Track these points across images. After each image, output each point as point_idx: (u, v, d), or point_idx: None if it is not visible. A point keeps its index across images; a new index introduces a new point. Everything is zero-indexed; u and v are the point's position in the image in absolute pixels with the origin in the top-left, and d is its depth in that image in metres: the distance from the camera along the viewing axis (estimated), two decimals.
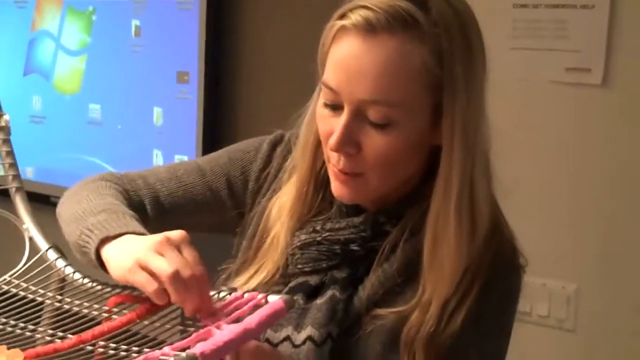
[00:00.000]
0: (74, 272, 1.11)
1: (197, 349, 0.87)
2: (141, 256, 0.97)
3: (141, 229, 1.06)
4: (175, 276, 0.94)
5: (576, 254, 2.21)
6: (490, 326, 1.10)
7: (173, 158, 3.46)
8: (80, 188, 1.21)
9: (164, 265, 0.95)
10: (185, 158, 3.42)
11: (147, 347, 0.91)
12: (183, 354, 0.85)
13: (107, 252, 1.02)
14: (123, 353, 0.90)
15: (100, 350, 0.91)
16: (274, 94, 3.28)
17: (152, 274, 0.96)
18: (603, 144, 2.16)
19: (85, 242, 1.05)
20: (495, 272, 1.09)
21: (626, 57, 2.10)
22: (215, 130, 3.39)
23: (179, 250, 0.98)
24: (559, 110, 2.20)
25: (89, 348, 0.93)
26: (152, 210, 1.22)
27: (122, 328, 0.97)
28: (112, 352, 0.91)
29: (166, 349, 0.87)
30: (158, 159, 3.50)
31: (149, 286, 0.96)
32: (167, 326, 0.97)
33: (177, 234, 0.99)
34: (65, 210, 1.17)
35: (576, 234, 2.20)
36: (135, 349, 0.91)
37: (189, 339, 0.91)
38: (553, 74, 2.18)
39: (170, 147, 3.47)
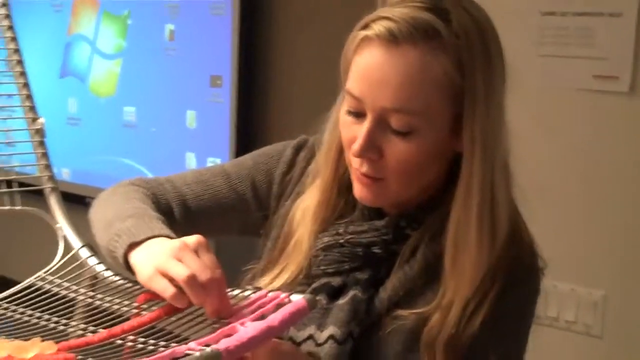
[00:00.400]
0: (105, 270, 1.15)
1: (222, 345, 0.90)
2: (160, 263, 1.00)
3: (167, 231, 1.09)
4: (193, 280, 0.97)
5: (604, 261, 2.21)
6: (508, 329, 1.13)
7: (206, 161, 3.51)
8: (109, 194, 1.25)
9: (182, 270, 0.97)
10: (218, 161, 3.46)
11: (174, 342, 0.94)
12: (208, 349, 0.88)
13: (133, 258, 1.05)
14: (151, 347, 0.94)
15: (130, 344, 0.95)
16: (305, 98, 3.31)
17: (171, 279, 0.99)
18: (630, 152, 2.17)
19: (114, 248, 1.09)
20: (514, 276, 1.12)
21: None
22: (248, 134, 3.44)
23: (197, 255, 1.00)
24: (587, 118, 2.21)
25: (119, 342, 0.97)
26: (179, 214, 1.26)
27: (150, 324, 1.00)
28: (140, 346, 0.95)
29: (192, 344, 0.91)
30: (191, 162, 3.55)
31: (167, 291, 0.99)
32: (193, 323, 1.00)
33: (194, 238, 1.02)
34: (95, 216, 1.21)
35: (604, 240, 2.20)
36: (163, 343, 0.95)
37: (213, 334, 0.94)
38: (580, 81, 2.19)
39: (203, 149, 3.52)
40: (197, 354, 0.87)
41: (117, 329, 0.99)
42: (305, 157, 1.28)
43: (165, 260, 0.99)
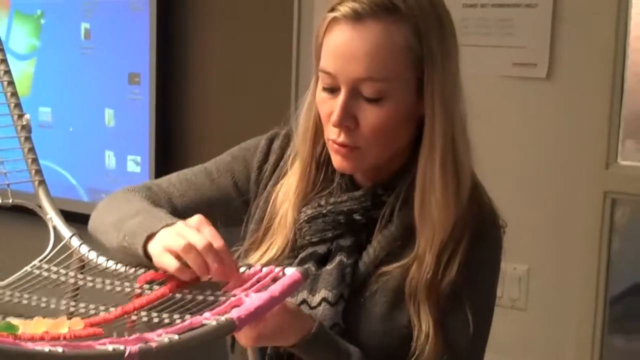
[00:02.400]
0: (97, 256, 1.21)
1: (234, 314, 0.97)
2: (166, 241, 1.11)
3: (174, 219, 1.18)
4: (190, 248, 1.08)
5: (528, 237, 2.35)
6: (480, 277, 1.24)
7: (125, 159, 3.51)
8: (107, 203, 1.35)
9: (182, 242, 1.08)
10: (138, 159, 3.48)
11: (188, 314, 1.01)
12: (222, 318, 0.95)
13: (151, 248, 1.14)
14: (167, 320, 1.00)
15: (145, 319, 1.01)
16: (225, 94, 3.36)
17: (176, 255, 1.09)
18: (549, 133, 2.32)
19: (130, 244, 1.17)
20: (480, 228, 1.24)
21: (569, 52, 2.27)
22: (167, 131, 3.46)
23: (199, 230, 1.11)
24: (508, 103, 2.36)
25: (133, 317, 1.03)
26: (168, 212, 1.33)
27: (158, 300, 1.07)
28: (156, 320, 1.01)
29: (207, 314, 0.97)
30: (110, 160, 3.55)
31: (171, 265, 1.09)
32: (200, 297, 1.07)
33: (194, 217, 1.14)
34: (100, 222, 1.30)
35: (527, 218, 2.34)
36: (177, 316, 1.01)
37: (224, 305, 1.01)
38: (501, 69, 2.34)
39: (122, 148, 3.52)
40: (214, 322, 0.94)
41: (129, 306, 1.05)
42: (280, 145, 1.39)
43: (171, 238, 1.11)
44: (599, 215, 2.27)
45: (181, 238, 1.09)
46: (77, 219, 1.27)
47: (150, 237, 1.14)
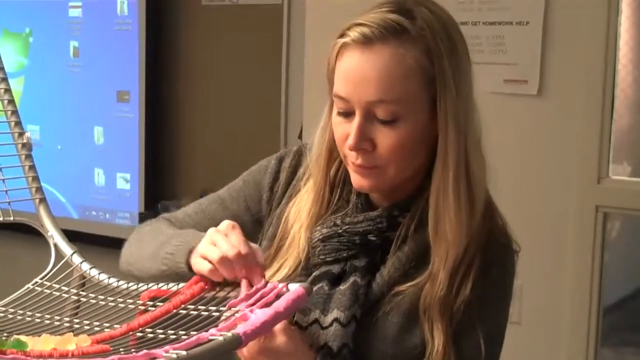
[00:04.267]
0: (99, 274, 1.21)
1: (240, 329, 0.98)
2: (200, 249, 1.18)
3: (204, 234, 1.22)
4: (223, 259, 1.14)
5: (521, 253, 2.35)
6: (492, 301, 1.24)
7: (115, 176, 3.51)
8: (137, 236, 1.40)
9: (215, 253, 1.14)
10: (128, 176, 3.48)
11: (193, 331, 1.01)
12: (229, 334, 0.95)
13: (193, 261, 1.19)
14: (173, 336, 1.00)
15: (150, 335, 1.01)
16: (214, 111, 3.37)
17: (209, 260, 1.15)
18: (540, 149, 2.34)
19: (174, 263, 1.22)
20: (492, 251, 1.24)
21: (559, 69, 2.29)
22: (157, 148, 3.47)
23: (227, 236, 1.16)
24: (500, 119, 2.37)
25: (139, 334, 1.03)
26: None
27: (163, 317, 1.07)
28: (161, 336, 1.01)
29: (213, 330, 0.98)
30: (100, 178, 3.55)
31: (205, 269, 1.15)
32: (204, 313, 1.07)
33: (223, 224, 1.19)
34: (136, 255, 1.35)
35: (519, 232, 2.33)
36: (182, 332, 1.01)
37: (229, 322, 1.02)
38: (493, 85, 2.35)
39: (112, 165, 3.52)
40: (221, 338, 0.95)
41: (134, 323, 1.05)
42: (291, 163, 1.39)
43: (204, 246, 1.17)
44: (591, 229, 2.28)
45: (214, 248, 1.15)
46: (67, 237, 1.27)
47: (190, 252, 1.19)
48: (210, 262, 1.15)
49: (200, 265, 1.16)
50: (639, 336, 3.83)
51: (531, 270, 2.36)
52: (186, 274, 1.19)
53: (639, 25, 3.04)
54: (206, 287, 1.14)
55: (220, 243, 1.15)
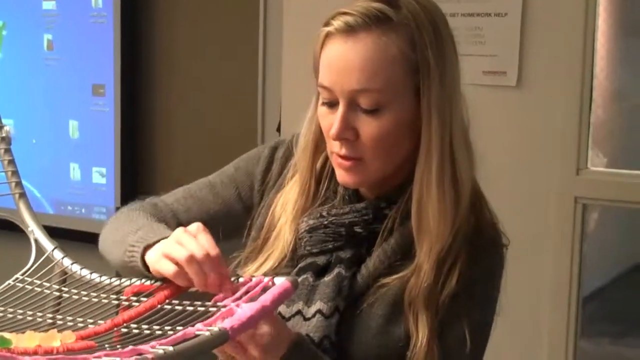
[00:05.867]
0: (80, 269, 1.19)
1: (227, 324, 0.97)
2: (165, 248, 1.12)
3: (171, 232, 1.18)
4: (191, 259, 1.09)
5: None
6: (478, 295, 1.24)
7: (91, 170, 3.48)
8: (111, 224, 1.34)
9: (182, 251, 1.09)
10: (104, 170, 3.45)
11: (178, 326, 1.00)
12: (216, 328, 0.94)
13: (148, 257, 1.15)
14: (159, 332, 0.99)
15: (135, 331, 1.00)
16: (191, 104, 3.35)
17: (174, 261, 1.10)
18: (519, 140, 2.34)
19: (130, 257, 1.18)
20: (480, 244, 1.23)
21: (538, 60, 2.30)
22: (133, 142, 3.44)
23: (196, 238, 1.11)
24: (478, 111, 2.36)
25: (124, 330, 1.02)
26: (174, 227, 1.33)
27: (147, 313, 1.05)
28: (147, 332, 0.99)
29: (199, 325, 0.96)
30: (75, 172, 3.52)
31: (170, 270, 1.10)
32: (190, 308, 1.06)
33: (193, 225, 1.14)
34: (107, 243, 1.31)
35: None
36: (168, 327, 1.00)
37: (215, 316, 1.00)
38: (471, 77, 2.34)
39: (87, 159, 3.49)
40: (207, 333, 0.93)
41: (118, 318, 1.04)
42: (284, 154, 1.38)
43: (169, 245, 1.12)
44: (570, 220, 2.29)
45: (181, 247, 1.10)
46: None
47: (147, 248, 1.15)
48: (176, 263, 1.10)
49: (163, 266, 1.11)
50: (616, 326, 3.85)
51: (511, 261, 2.36)
52: (142, 272, 1.15)
53: (616, 16, 3.06)
54: (170, 295, 1.11)
55: (187, 242, 1.11)
